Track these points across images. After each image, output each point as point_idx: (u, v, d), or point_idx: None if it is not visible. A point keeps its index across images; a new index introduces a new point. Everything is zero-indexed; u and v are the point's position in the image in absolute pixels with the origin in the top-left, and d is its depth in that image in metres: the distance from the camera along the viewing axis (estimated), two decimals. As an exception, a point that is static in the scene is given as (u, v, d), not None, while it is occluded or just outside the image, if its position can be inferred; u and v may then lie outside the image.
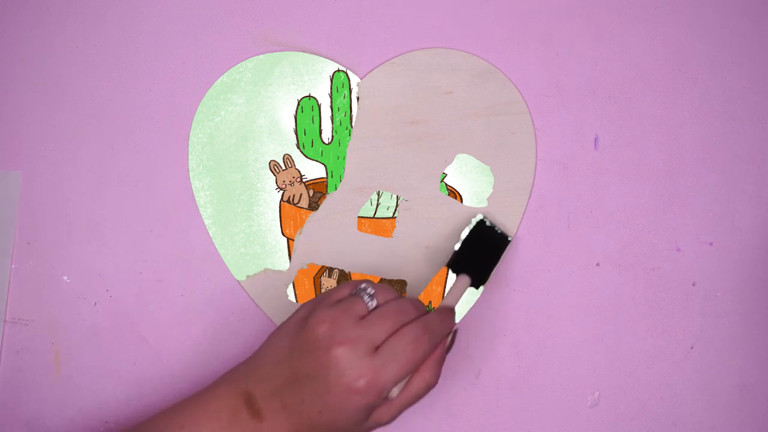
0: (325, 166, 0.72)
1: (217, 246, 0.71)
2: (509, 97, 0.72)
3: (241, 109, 0.71)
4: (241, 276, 0.72)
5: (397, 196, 0.72)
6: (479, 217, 0.70)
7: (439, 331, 0.60)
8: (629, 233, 0.73)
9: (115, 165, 0.71)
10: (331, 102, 0.72)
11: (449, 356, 0.73)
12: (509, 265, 0.73)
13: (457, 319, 0.72)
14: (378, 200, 0.72)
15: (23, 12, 0.70)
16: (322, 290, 0.72)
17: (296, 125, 0.72)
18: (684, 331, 0.73)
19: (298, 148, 0.72)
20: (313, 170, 0.72)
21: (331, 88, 0.72)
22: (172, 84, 0.71)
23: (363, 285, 0.60)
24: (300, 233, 0.72)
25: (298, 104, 0.71)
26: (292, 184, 0.72)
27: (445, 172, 0.72)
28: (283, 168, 0.72)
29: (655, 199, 0.73)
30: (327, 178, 0.72)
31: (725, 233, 0.73)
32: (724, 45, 0.73)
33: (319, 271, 0.72)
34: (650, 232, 0.73)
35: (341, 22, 0.71)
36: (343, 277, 0.72)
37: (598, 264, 0.73)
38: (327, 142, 0.72)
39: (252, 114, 0.71)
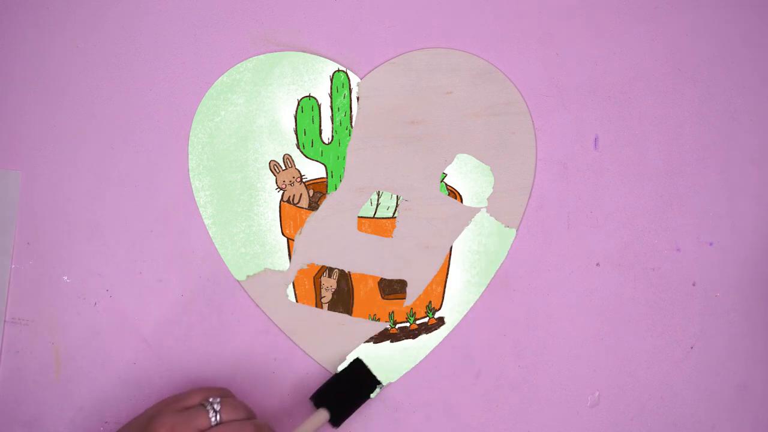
0: (325, 166, 0.72)
1: (217, 246, 0.71)
2: (509, 97, 0.72)
3: (241, 109, 0.71)
4: (241, 276, 0.72)
5: (397, 196, 0.72)
6: (356, 357, 0.71)
7: None
8: (629, 233, 0.73)
9: (115, 165, 0.71)
10: (331, 102, 0.71)
11: (450, 356, 0.73)
12: (509, 265, 0.73)
13: (458, 318, 0.73)
14: (378, 200, 0.72)
15: (23, 12, 0.70)
16: (323, 290, 0.72)
17: (296, 125, 0.72)
18: (684, 331, 0.73)
19: (298, 148, 0.72)
20: (313, 170, 0.72)
21: (331, 88, 0.71)
22: (172, 84, 0.71)
23: (212, 399, 0.62)
24: (300, 233, 0.72)
25: (298, 104, 0.71)
26: (292, 184, 0.72)
27: (445, 172, 0.72)
28: (283, 168, 0.72)
29: (655, 199, 0.73)
30: (327, 178, 0.72)
31: (725, 233, 0.73)
32: (724, 45, 0.73)
33: (319, 271, 0.72)
34: (650, 232, 0.73)
35: (341, 22, 0.71)
36: (343, 277, 0.72)
37: (598, 264, 0.73)
38: (327, 142, 0.72)
39: (252, 114, 0.71)
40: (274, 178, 0.72)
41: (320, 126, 0.72)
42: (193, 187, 0.71)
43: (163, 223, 0.71)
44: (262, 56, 0.71)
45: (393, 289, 0.72)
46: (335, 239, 0.72)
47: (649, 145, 0.73)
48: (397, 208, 0.72)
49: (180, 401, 0.62)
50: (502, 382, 0.73)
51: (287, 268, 0.72)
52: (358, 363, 0.71)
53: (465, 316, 0.73)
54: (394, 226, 0.72)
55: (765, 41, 0.73)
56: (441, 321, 0.73)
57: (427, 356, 0.73)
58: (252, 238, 0.71)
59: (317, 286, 0.72)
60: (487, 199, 0.72)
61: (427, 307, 0.73)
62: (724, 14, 0.73)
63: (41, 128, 0.70)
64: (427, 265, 0.72)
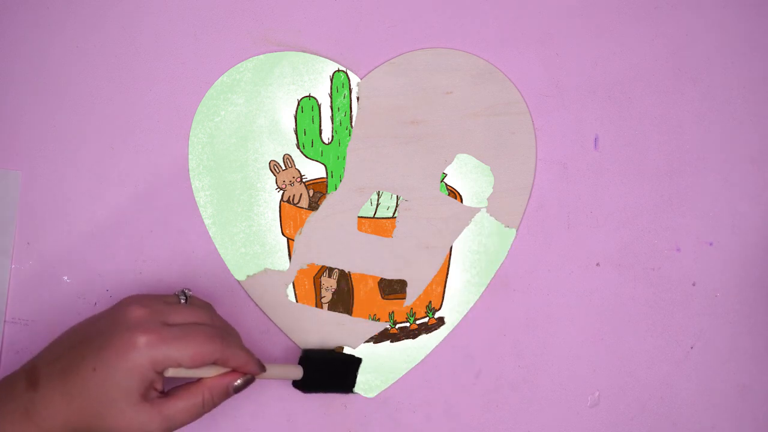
0: (325, 166, 0.72)
1: (217, 246, 0.71)
2: (509, 97, 0.72)
3: (241, 109, 0.71)
4: (241, 276, 0.72)
5: (397, 196, 0.72)
6: (361, 358, 0.71)
7: (236, 352, 0.60)
8: (629, 233, 0.73)
9: (115, 165, 0.71)
10: (331, 102, 0.72)
11: (450, 356, 0.73)
12: (509, 265, 0.73)
13: (458, 318, 0.73)
14: (378, 200, 0.72)
15: (23, 12, 0.70)
16: (323, 290, 0.72)
17: (296, 125, 0.72)
18: (684, 331, 0.73)
19: (298, 148, 0.72)
20: (313, 170, 0.72)
21: (331, 88, 0.72)
22: (172, 84, 0.71)
23: (184, 291, 0.62)
24: (300, 233, 0.72)
25: (298, 104, 0.71)
26: (292, 184, 0.72)
27: (445, 172, 0.72)
28: (283, 168, 0.72)
29: (655, 199, 0.73)
30: (327, 178, 0.72)
31: (725, 233, 0.73)
32: (724, 45, 0.73)
33: (319, 271, 0.72)
34: (650, 232, 0.73)
35: (341, 22, 0.71)
36: (343, 277, 0.72)
37: (598, 264, 0.73)
38: (327, 142, 0.72)
39: (252, 114, 0.71)
40: (274, 178, 0.72)
41: (320, 126, 0.72)
42: (193, 187, 0.71)
43: (163, 223, 0.71)
44: (262, 56, 0.71)
45: (393, 289, 0.72)
46: (335, 239, 0.72)
47: (649, 145, 0.73)
48: (397, 208, 0.72)
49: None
50: (502, 382, 0.73)
51: (287, 268, 0.72)
52: (356, 361, 0.71)
53: (465, 316, 0.73)
54: (394, 226, 0.72)
55: (765, 41, 0.73)
56: (441, 321, 0.73)
57: (427, 356, 0.73)
58: (252, 238, 0.71)
59: (317, 286, 0.72)
60: (487, 199, 0.72)
61: (427, 307, 0.73)
62: (724, 14, 0.73)
63: (41, 128, 0.70)
64: (427, 265, 0.72)
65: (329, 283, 0.72)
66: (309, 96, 0.71)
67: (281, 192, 0.72)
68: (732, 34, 0.73)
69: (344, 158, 0.72)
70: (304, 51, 0.71)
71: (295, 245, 0.72)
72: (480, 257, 0.72)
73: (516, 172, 0.72)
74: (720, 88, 0.73)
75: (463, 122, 0.72)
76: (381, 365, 0.73)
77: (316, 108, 0.71)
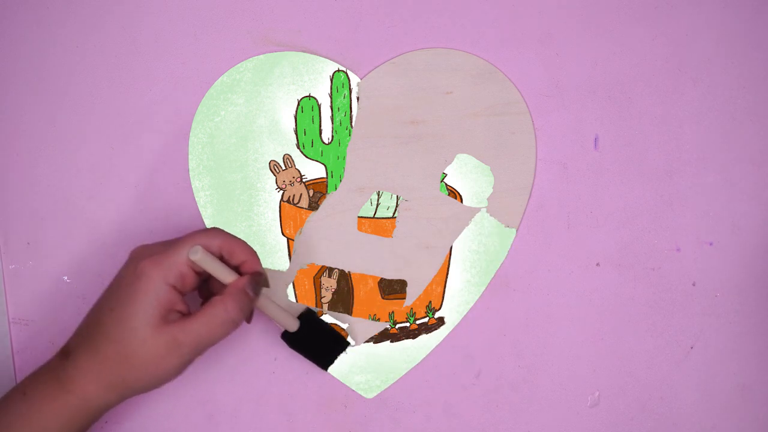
0: (325, 166, 0.72)
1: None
2: (509, 97, 0.72)
3: (241, 109, 0.71)
4: (241, 276, 0.72)
5: (397, 196, 0.72)
6: (350, 343, 0.72)
7: (240, 242, 0.61)
8: (629, 233, 0.73)
9: (115, 165, 0.71)
10: (331, 102, 0.72)
11: (450, 356, 0.73)
12: (509, 265, 0.73)
13: (458, 318, 0.73)
14: (378, 200, 0.72)
15: (23, 12, 0.70)
16: (323, 290, 0.72)
17: (296, 125, 0.72)
18: (684, 331, 0.73)
19: (298, 148, 0.72)
20: (313, 170, 0.72)
21: (331, 88, 0.72)
22: (172, 84, 0.71)
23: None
24: (300, 233, 0.72)
25: (298, 104, 0.71)
26: (292, 184, 0.72)
27: (445, 172, 0.72)
28: (283, 168, 0.72)
29: (655, 199, 0.73)
30: (327, 178, 0.72)
31: (725, 233, 0.73)
32: (724, 45, 0.73)
33: (319, 271, 0.72)
34: (650, 232, 0.73)
35: (341, 22, 0.71)
36: (343, 277, 0.72)
37: (598, 264, 0.73)
38: (327, 142, 0.72)
39: (252, 114, 0.71)
40: (274, 178, 0.72)
41: (320, 126, 0.72)
42: (193, 187, 0.71)
43: (163, 223, 0.71)
44: (262, 56, 0.71)
45: (393, 289, 0.72)
46: (335, 239, 0.72)
47: (649, 145, 0.73)
48: (397, 208, 0.72)
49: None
50: (502, 382, 0.73)
51: (287, 268, 0.72)
52: (344, 344, 0.71)
53: (465, 316, 0.73)
54: (394, 226, 0.72)
55: (765, 41, 0.73)
56: (441, 321, 0.73)
57: (427, 356, 0.73)
58: (252, 238, 0.71)
59: (317, 286, 0.72)
60: (487, 199, 0.72)
61: (427, 307, 0.73)
62: (724, 14, 0.73)
63: (41, 128, 0.70)
64: (427, 265, 0.72)
65: (329, 283, 0.72)
66: (309, 96, 0.71)
67: (281, 192, 0.72)
68: (732, 34, 0.73)
69: (344, 158, 0.72)
70: (304, 51, 0.71)
71: (295, 245, 0.72)
72: (480, 257, 0.73)
73: (516, 172, 0.72)
74: (720, 88, 0.73)
75: (463, 122, 0.72)
76: (381, 365, 0.73)
77: (316, 108, 0.71)
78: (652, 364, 0.73)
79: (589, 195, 0.73)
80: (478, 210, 0.72)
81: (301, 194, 0.72)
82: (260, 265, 0.62)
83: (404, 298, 0.72)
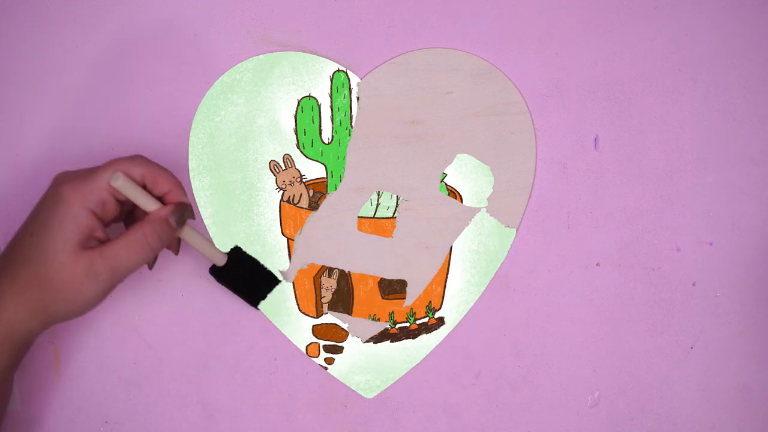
0: (325, 166, 0.72)
1: (217, 246, 0.71)
2: (509, 97, 0.72)
3: (241, 109, 0.71)
4: (241, 276, 0.72)
5: (397, 196, 0.72)
6: (280, 281, 0.71)
7: (163, 171, 0.60)
8: (629, 233, 0.73)
9: (115, 165, 0.71)
10: (331, 102, 0.71)
11: (450, 356, 0.73)
12: (509, 265, 0.73)
13: (458, 318, 0.73)
14: (378, 200, 0.72)
15: (23, 12, 0.70)
16: (323, 290, 0.72)
17: (296, 125, 0.72)
18: (684, 331, 0.73)
19: (298, 148, 0.72)
20: (313, 170, 0.72)
21: (331, 88, 0.71)
22: (172, 84, 0.71)
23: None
24: (300, 233, 0.72)
25: (298, 104, 0.71)
26: (292, 184, 0.72)
27: (445, 172, 0.72)
28: (283, 168, 0.72)
29: (655, 199, 0.73)
30: (327, 178, 0.72)
31: (725, 233, 0.73)
32: (724, 45, 0.73)
33: (319, 271, 0.72)
34: (650, 232, 0.73)
35: (341, 22, 0.71)
36: (343, 277, 0.72)
37: (598, 264, 0.73)
38: (327, 142, 0.72)
39: (252, 114, 0.71)
40: (274, 178, 0.72)
41: (320, 126, 0.72)
42: (193, 187, 0.71)
43: (163, 223, 0.71)
44: (262, 56, 0.71)
45: (393, 289, 0.72)
46: (335, 239, 0.72)
47: (649, 145, 0.73)
48: (397, 208, 0.72)
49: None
50: (502, 382, 0.73)
51: (287, 268, 0.72)
52: (274, 280, 0.70)
53: (465, 316, 0.73)
54: (394, 226, 0.72)
55: (765, 41, 0.73)
56: (441, 321, 0.73)
57: (427, 356, 0.73)
58: (252, 238, 0.71)
59: (317, 286, 0.72)
60: (487, 199, 0.72)
61: (427, 307, 0.73)
62: (724, 14, 0.73)
63: (41, 128, 0.70)
64: (427, 265, 0.72)
65: (329, 283, 0.72)
66: (309, 96, 0.71)
67: (281, 192, 0.72)
68: (732, 34, 0.73)
69: (344, 158, 0.72)
70: (304, 51, 0.71)
71: (295, 245, 0.72)
72: (480, 257, 0.72)
73: (516, 172, 0.72)
74: (720, 88, 0.73)
75: (463, 122, 0.72)
76: (381, 365, 0.73)
77: (316, 108, 0.71)
78: (652, 364, 0.73)
79: (589, 195, 0.73)
80: (478, 210, 0.72)
81: (301, 194, 0.72)
82: (185, 195, 0.62)
83: (404, 298, 0.72)
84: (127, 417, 0.71)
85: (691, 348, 0.73)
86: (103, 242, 0.59)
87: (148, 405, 0.72)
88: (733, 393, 0.73)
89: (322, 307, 0.72)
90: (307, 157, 0.72)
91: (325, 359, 0.72)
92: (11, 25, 0.70)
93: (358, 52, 0.72)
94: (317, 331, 0.72)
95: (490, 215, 0.72)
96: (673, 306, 0.73)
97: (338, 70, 0.71)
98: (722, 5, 0.73)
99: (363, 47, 0.72)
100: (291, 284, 0.72)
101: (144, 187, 0.60)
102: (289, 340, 0.72)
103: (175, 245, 0.65)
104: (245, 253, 0.69)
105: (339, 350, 0.72)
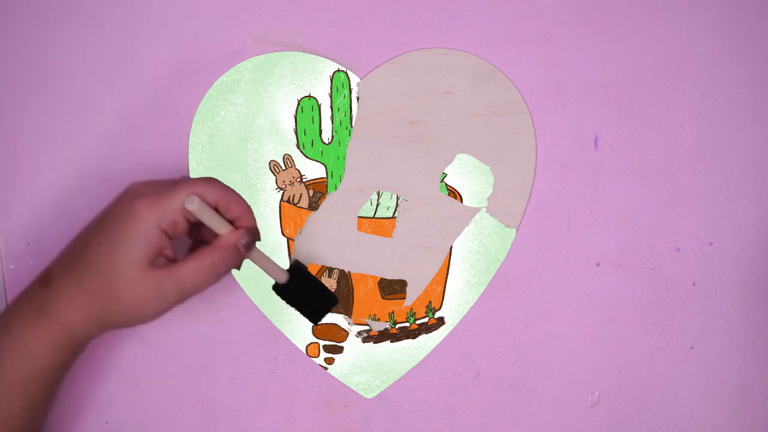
0: (325, 166, 0.72)
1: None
2: (509, 97, 0.72)
3: (241, 109, 0.71)
4: (240, 276, 0.72)
5: (397, 196, 0.72)
6: (338, 299, 0.68)
7: (237, 197, 0.60)
8: (629, 233, 0.73)
9: (115, 165, 0.71)
10: (331, 102, 0.72)
11: (450, 356, 0.73)
12: (509, 265, 0.73)
13: (458, 318, 0.73)
14: (378, 200, 0.72)
15: (23, 12, 0.70)
16: (322, 290, 0.72)
17: (296, 125, 0.72)
18: (684, 331, 0.73)
19: (298, 148, 0.72)
20: (313, 170, 0.72)
21: (331, 88, 0.72)
22: (172, 84, 0.71)
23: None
24: (300, 233, 0.72)
25: (298, 104, 0.71)
26: (292, 184, 0.72)
27: (445, 172, 0.72)
28: (283, 168, 0.72)
29: (655, 199, 0.73)
30: (327, 178, 0.72)
31: (725, 233, 0.73)
32: (724, 45, 0.73)
33: (319, 271, 0.72)
34: (650, 232, 0.73)
35: (341, 22, 0.71)
36: (343, 277, 0.72)
37: (598, 264, 0.73)
38: (327, 142, 0.72)
39: (252, 114, 0.71)
40: (274, 178, 0.72)
41: (320, 126, 0.72)
42: (193, 187, 0.71)
43: (163, 223, 0.71)
44: (262, 56, 0.71)
45: (393, 289, 0.72)
46: (335, 239, 0.72)
47: (649, 145, 0.73)
48: (397, 208, 0.72)
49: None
50: (502, 382, 0.73)
51: (287, 268, 0.72)
52: (333, 299, 0.67)
53: (465, 316, 0.73)
54: (394, 226, 0.72)
55: (765, 41, 0.73)
56: (441, 321, 0.73)
57: (427, 356, 0.73)
58: (252, 238, 0.71)
59: (317, 286, 0.72)
60: (487, 199, 0.72)
61: (427, 307, 0.73)
62: (724, 14, 0.73)
63: (41, 128, 0.70)
64: (427, 265, 0.72)
65: (329, 283, 0.72)
66: (309, 96, 0.71)
67: (281, 192, 0.72)
68: (732, 34, 0.73)
69: (344, 158, 0.72)
70: (304, 51, 0.71)
71: (295, 245, 0.72)
72: (480, 257, 0.73)
73: (516, 172, 0.72)
74: (720, 88, 0.73)
75: (463, 122, 0.72)
76: (381, 365, 0.73)
77: (316, 108, 0.71)
78: (652, 364, 0.73)
79: (589, 195, 0.73)
80: (478, 210, 0.72)
81: (301, 194, 0.72)
82: (254, 221, 0.61)
83: (404, 298, 0.72)
84: (127, 417, 0.71)
85: (691, 348, 0.73)
86: (171, 260, 0.58)
87: (148, 405, 0.72)
88: (733, 393, 0.74)
89: (322, 307, 0.72)
90: (307, 157, 0.72)
91: (325, 359, 0.72)
92: (11, 25, 0.70)
93: (358, 52, 0.72)
94: (317, 331, 0.72)
95: (490, 215, 0.72)
96: (673, 306, 0.73)
97: (338, 70, 0.71)
98: (722, 5, 0.73)
99: (363, 47, 0.72)
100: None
101: (216, 209, 0.60)
102: (289, 340, 0.72)
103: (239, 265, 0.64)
104: (305, 269, 0.68)
105: (339, 350, 0.72)
